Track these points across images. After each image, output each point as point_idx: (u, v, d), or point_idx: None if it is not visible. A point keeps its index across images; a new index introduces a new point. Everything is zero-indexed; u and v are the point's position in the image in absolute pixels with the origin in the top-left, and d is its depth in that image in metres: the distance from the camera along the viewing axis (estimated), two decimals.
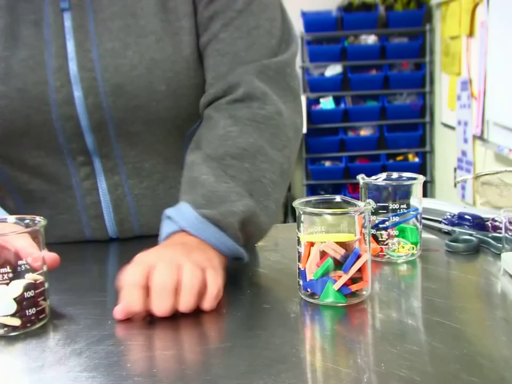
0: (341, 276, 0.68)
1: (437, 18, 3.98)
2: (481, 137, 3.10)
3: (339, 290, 0.68)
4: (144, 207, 0.95)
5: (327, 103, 4.26)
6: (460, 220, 0.97)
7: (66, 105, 0.86)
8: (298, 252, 0.71)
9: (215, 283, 0.67)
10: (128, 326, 0.65)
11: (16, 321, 0.64)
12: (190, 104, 0.90)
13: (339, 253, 0.68)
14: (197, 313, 0.67)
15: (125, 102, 0.87)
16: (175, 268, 0.66)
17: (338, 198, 0.76)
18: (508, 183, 1.03)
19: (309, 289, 0.70)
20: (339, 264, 0.68)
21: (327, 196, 0.80)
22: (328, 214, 0.70)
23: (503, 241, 0.83)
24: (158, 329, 0.64)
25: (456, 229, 0.93)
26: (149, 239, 0.79)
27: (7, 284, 0.63)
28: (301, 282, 0.71)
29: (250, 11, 0.89)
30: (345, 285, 0.68)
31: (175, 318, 0.66)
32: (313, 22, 4.14)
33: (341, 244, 0.68)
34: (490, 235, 0.89)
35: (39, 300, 0.65)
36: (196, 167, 0.80)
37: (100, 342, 0.62)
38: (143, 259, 0.69)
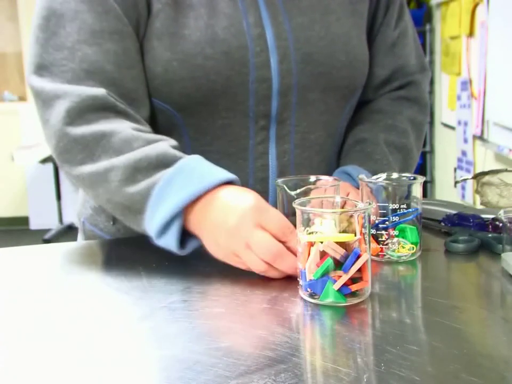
0: (341, 276, 0.68)
1: (437, 18, 3.98)
2: (481, 137, 3.10)
3: (339, 290, 0.68)
4: None
5: None
6: (460, 219, 0.97)
7: (263, 69, 0.95)
8: (298, 252, 0.71)
9: None
10: (127, 326, 0.65)
11: None
12: (359, 77, 1.04)
13: (339, 253, 0.68)
14: (196, 313, 0.67)
15: (311, 69, 0.98)
16: None
17: (338, 198, 0.76)
18: (508, 183, 1.04)
19: (309, 289, 0.70)
20: (339, 264, 0.68)
21: (327, 196, 0.80)
22: (328, 213, 0.70)
23: (503, 241, 0.83)
24: (158, 328, 0.64)
25: (456, 229, 0.93)
26: None
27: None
28: (301, 282, 0.71)
29: (413, 27, 1.14)
30: (345, 285, 0.68)
31: (174, 317, 0.66)
32: None
33: (341, 244, 0.68)
34: (490, 235, 0.89)
35: None
36: (371, 145, 1.04)
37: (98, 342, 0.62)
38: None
